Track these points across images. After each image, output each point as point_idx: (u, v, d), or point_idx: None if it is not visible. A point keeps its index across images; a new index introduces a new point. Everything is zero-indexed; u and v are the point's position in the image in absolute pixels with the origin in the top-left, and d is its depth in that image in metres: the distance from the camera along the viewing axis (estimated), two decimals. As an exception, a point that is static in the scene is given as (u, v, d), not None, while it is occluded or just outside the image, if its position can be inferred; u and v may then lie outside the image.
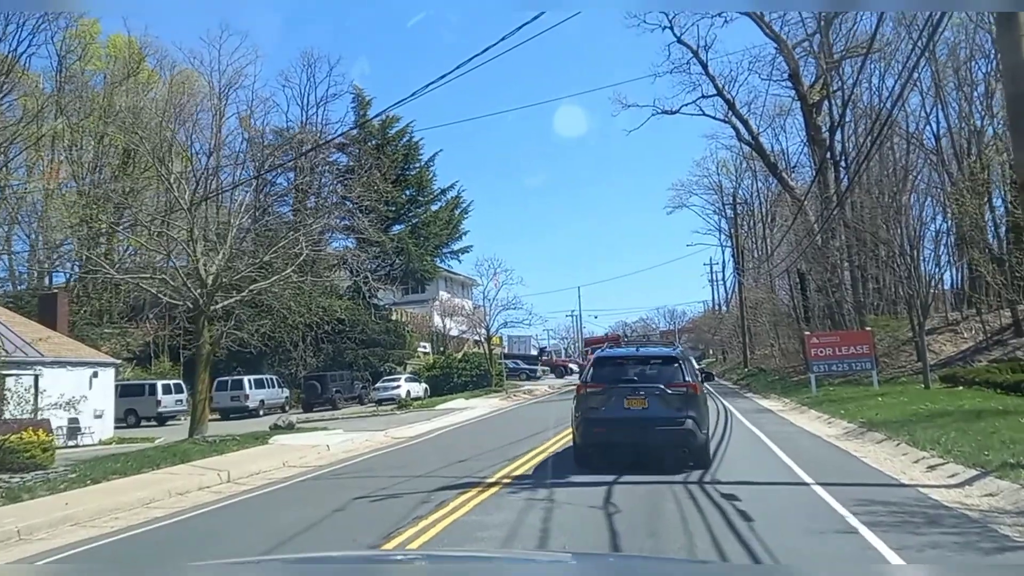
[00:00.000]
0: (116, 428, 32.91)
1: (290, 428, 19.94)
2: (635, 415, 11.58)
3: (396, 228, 51.28)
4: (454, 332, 58.51)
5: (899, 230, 26.52)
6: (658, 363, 12.49)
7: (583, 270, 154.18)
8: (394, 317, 57.32)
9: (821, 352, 24.30)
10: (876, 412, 16.40)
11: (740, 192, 62.25)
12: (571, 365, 70.40)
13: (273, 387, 39.77)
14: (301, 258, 22.50)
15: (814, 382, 24.41)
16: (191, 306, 18.64)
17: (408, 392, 39.90)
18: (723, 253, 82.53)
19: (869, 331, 25.74)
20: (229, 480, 13.18)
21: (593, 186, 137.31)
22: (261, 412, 37.59)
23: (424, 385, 42.36)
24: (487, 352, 43.17)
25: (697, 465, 11.35)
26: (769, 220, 54.49)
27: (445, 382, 43.09)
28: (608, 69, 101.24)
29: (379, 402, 39.03)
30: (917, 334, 29.53)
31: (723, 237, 75.22)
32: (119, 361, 29.17)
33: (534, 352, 78.18)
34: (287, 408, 40.58)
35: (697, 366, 16.79)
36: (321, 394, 39.25)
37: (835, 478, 9.77)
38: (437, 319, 60.23)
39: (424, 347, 58.13)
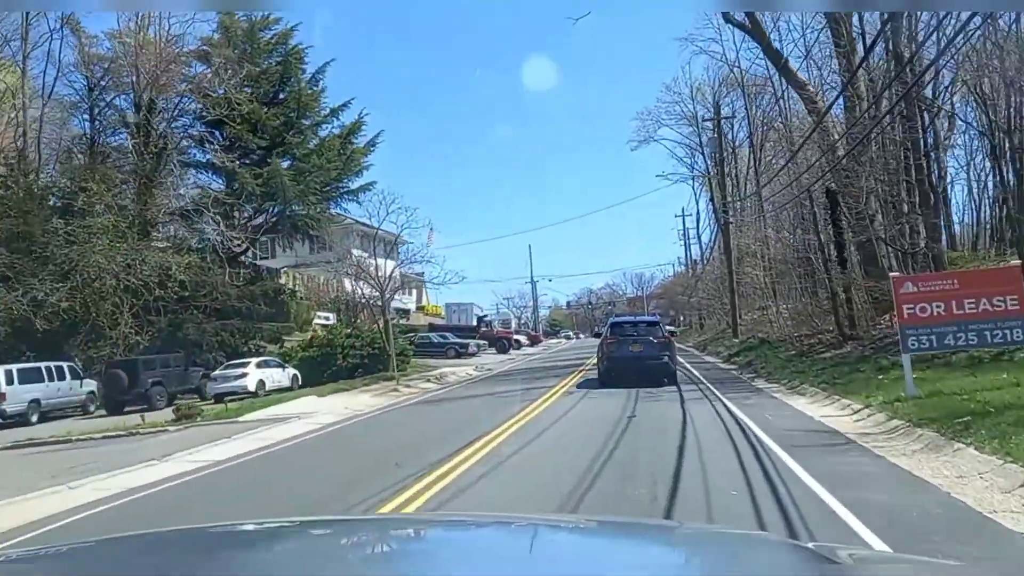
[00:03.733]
0: None
1: None
2: (635, 354, 19.52)
3: (284, 164, 38.52)
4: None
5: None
6: (646, 324, 22.16)
7: (536, 226, 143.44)
8: (283, 280, 45.04)
9: (922, 311, 12.35)
10: None
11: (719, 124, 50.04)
12: (518, 337, 58.57)
13: (63, 379, 27.22)
14: None
15: (909, 366, 12.56)
16: None
17: (261, 383, 27.79)
18: (697, 204, 71.05)
19: (1016, 267, 13.71)
20: None
21: (547, 131, 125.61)
22: (34, 418, 25.28)
23: (292, 371, 30.17)
24: (383, 325, 30.94)
25: (669, 382, 18.76)
26: (760, 147, 42.54)
27: (325, 366, 30.83)
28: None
29: (218, 397, 26.95)
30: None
31: (697, 185, 63.59)
32: None
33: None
34: (90, 408, 28.28)
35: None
36: (130, 388, 26.83)
37: None
38: (348, 284, 47.84)
39: (326, 319, 45.86)
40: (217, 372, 27.89)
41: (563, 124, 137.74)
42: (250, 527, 2.85)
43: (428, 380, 28.47)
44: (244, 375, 27.15)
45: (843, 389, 14.84)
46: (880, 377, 15.68)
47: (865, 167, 24.41)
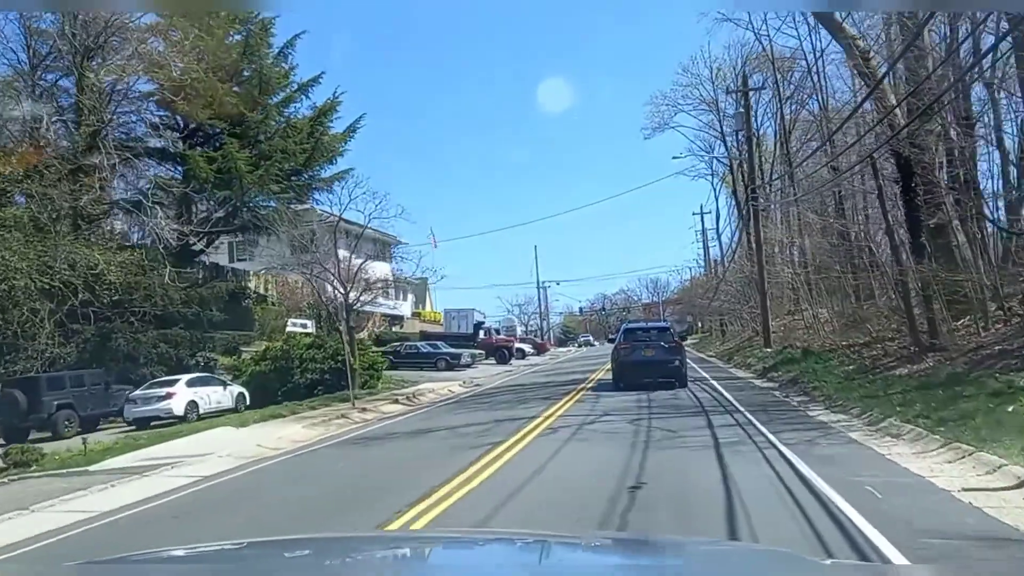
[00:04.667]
0: None
1: None
2: (648, 359, 20.57)
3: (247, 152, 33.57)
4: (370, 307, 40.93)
5: None
6: (657, 330, 22.50)
7: (543, 215, 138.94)
8: (252, 283, 40.17)
9: None
10: None
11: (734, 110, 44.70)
12: (521, 346, 53.35)
13: (-51, 402, 22.44)
14: None
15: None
16: None
17: (192, 404, 22.82)
18: (716, 201, 65.65)
19: None
20: None
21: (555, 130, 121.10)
22: (-94, 451, 20.42)
23: (237, 389, 25.20)
24: (346, 336, 25.92)
25: (679, 384, 19.89)
26: (789, 132, 37.25)
27: (280, 382, 25.91)
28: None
29: (138, 423, 22.04)
30: None
31: (717, 181, 58.36)
32: None
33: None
34: (-7, 437, 23.42)
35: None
36: (29, 413, 21.92)
37: None
38: (330, 288, 42.83)
39: (302, 326, 40.84)
40: (137, 392, 22.92)
41: (570, 122, 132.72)
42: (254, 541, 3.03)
43: (396, 400, 23.41)
44: (169, 396, 22.22)
45: (965, 432, 9.64)
46: (1009, 408, 10.62)
47: (935, 130, 19.37)
